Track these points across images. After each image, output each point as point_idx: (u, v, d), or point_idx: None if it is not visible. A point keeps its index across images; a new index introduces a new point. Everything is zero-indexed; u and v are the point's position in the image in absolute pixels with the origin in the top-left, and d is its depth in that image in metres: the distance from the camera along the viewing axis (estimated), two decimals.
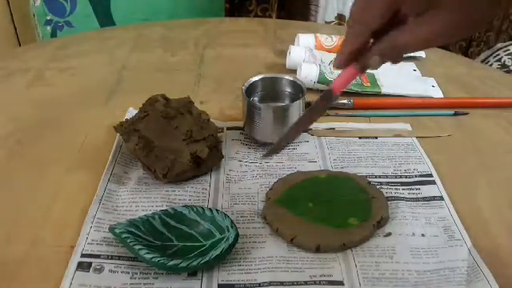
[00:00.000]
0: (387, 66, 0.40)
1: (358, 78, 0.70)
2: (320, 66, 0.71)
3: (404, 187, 0.53)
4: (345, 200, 0.50)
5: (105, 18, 1.50)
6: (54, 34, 1.47)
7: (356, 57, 0.38)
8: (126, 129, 0.55)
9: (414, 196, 0.52)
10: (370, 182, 0.53)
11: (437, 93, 0.72)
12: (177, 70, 0.78)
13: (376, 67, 0.37)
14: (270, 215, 0.48)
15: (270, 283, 0.42)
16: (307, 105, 0.64)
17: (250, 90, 0.60)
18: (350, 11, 0.37)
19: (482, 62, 1.31)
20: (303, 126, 0.45)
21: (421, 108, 0.68)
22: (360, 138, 0.62)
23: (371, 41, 0.38)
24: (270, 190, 0.52)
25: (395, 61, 0.37)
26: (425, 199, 0.52)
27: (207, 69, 0.79)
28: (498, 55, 1.29)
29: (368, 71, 0.72)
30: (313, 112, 0.44)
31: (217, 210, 0.47)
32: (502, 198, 0.53)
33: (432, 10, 0.32)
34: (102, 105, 0.68)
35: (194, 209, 0.48)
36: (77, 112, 0.67)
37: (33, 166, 0.56)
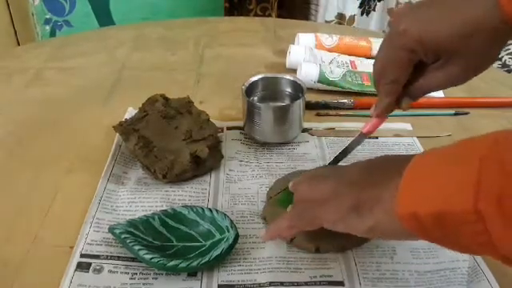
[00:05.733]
0: None
1: (358, 78, 0.70)
2: (320, 65, 0.71)
3: None
4: None
5: (104, 18, 1.50)
6: (53, 34, 1.47)
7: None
8: (126, 129, 0.55)
9: None
10: None
11: (437, 92, 0.72)
12: (176, 69, 0.78)
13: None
14: (270, 215, 0.48)
15: (270, 284, 0.42)
16: (307, 104, 0.64)
17: (249, 90, 0.60)
18: (376, 69, 0.43)
19: None
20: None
21: (421, 107, 0.68)
22: None
23: None
24: (270, 189, 0.52)
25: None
26: None
27: (207, 68, 0.78)
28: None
29: (368, 70, 0.72)
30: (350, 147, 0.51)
31: (216, 211, 0.47)
32: None
33: (443, 59, 0.40)
34: (101, 104, 0.68)
35: (194, 209, 0.47)
36: (76, 112, 0.66)
37: (32, 165, 0.56)
